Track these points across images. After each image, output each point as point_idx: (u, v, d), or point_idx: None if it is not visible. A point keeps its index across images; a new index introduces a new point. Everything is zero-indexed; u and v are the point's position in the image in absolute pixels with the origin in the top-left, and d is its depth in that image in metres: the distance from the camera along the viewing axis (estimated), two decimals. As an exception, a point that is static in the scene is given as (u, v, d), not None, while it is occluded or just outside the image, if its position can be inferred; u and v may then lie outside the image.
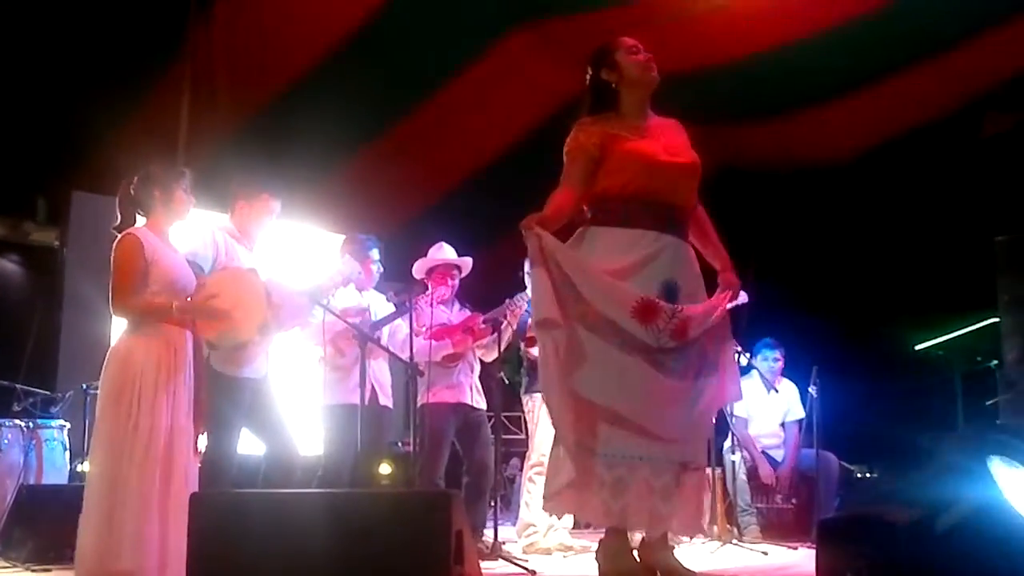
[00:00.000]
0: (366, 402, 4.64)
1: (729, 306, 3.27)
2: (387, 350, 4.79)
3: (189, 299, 3.54)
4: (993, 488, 2.25)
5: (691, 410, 3.10)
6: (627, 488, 2.98)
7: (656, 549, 3.17)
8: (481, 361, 5.38)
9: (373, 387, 4.80)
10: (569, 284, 3.05)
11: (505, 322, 4.98)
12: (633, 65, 3.29)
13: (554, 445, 3.13)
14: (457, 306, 5.35)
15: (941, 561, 2.14)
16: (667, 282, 3.12)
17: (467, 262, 5.32)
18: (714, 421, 3.42)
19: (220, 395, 3.85)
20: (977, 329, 5.61)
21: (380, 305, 5.06)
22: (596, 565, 3.19)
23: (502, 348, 5.09)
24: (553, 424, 3.09)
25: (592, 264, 3.14)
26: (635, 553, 3.21)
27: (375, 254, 5.05)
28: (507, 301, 4.96)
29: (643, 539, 3.22)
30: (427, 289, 5.17)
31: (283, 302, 4.00)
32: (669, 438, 3.04)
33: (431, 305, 5.09)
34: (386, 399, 4.98)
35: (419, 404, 4.83)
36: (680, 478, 3.04)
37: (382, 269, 5.11)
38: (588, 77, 3.36)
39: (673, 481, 3.02)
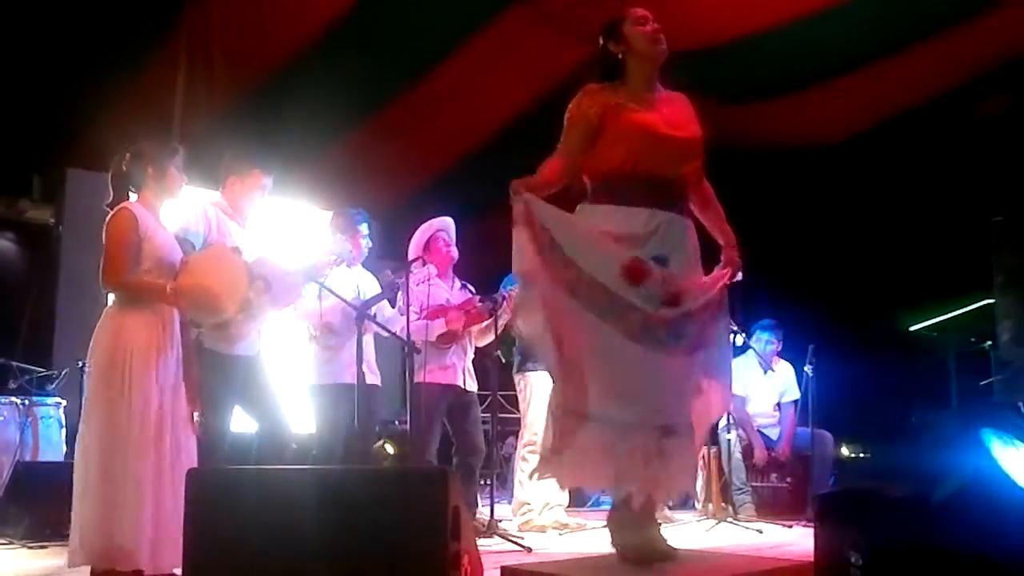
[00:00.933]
0: (355, 381, 4.67)
1: (727, 283, 3.26)
2: (384, 328, 4.78)
3: (176, 279, 3.52)
4: (988, 458, 2.26)
5: (681, 384, 3.07)
6: (617, 453, 2.97)
7: (643, 524, 3.15)
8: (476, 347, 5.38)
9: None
10: (555, 246, 3.02)
11: (502, 308, 4.97)
12: (640, 36, 3.23)
13: (548, 409, 3.11)
14: (457, 284, 5.33)
15: (940, 534, 2.14)
16: (656, 257, 3.09)
17: (447, 221, 5.30)
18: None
19: (213, 373, 3.84)
20: (971, 310, 5.64)
21: (369, 284, 5.04)
22: (609, 537, 3.19)
23: (498, 332, 5.08)
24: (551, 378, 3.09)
25: (581, 224, 3.11)
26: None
27: (364, 228, 5.00)
28: (508, 289, 4.96)
29: (638, 517, 3.21)
30: (423, 266, 5.13)
31: (275, 280, 3.97)
32: (653, 407, 3.01)
33: (427, 283, 5.08)
34: (373, 377, 4.97)
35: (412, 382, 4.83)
36: (662, 442, 2.99)
37: (371, 244, 5.08)
38: (599, 47, 3.31)
39: (655, 445, 2.98)
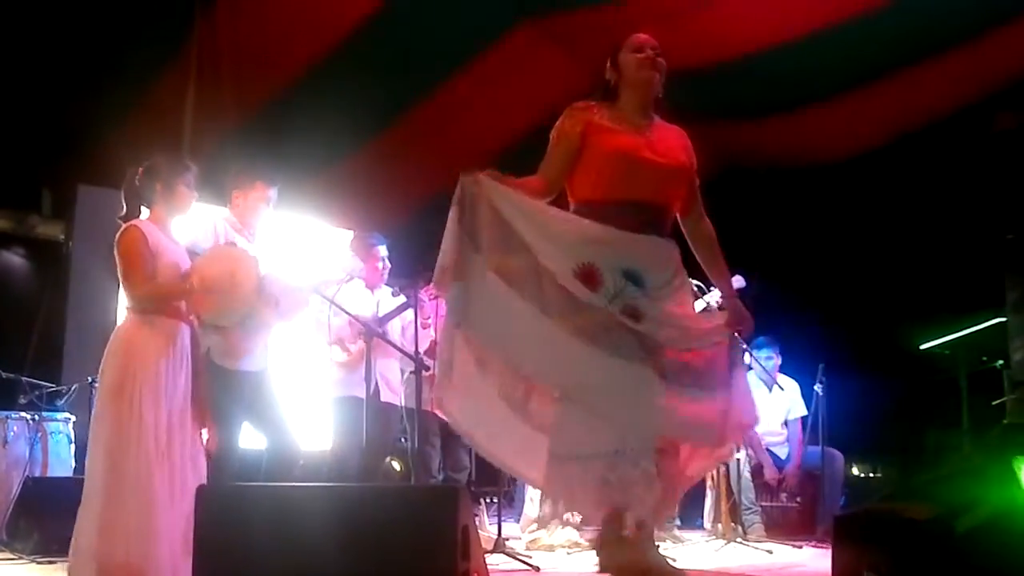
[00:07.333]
0: (371, 396, 4.68)
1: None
2: (393, 345, 4.79)
3: (193, 275, 3.54)
4: (1018, 490, 2.22)
5: (643, 402, 2.95)
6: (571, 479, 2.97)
7: (641, 546, 3.10)
8: None
9: (378, 382, 4.81)
10: (501, 228, 2.98)
11: None
12: (631, 63, 3.21)
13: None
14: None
15: (962, 559, 2.11)
16: (629, 271, 3.01)
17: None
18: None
19: (220, 389, 3.85)
20: (983, 328, 5.59)
21: (388, 300, 5.07)
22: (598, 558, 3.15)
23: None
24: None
25: (549, 209, 3.07)
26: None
27: (382, 251, 5.05)
28: None
29: (628, 537, 3.15)
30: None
31: (283, 296, 3.99)
32: (618, 426, 2.94)
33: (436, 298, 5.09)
34: (392, 395, 4.98)
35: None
36: (617, 470, 2.91)
37: (389, 266, 5.11)
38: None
39: (610, 472, 2.91)
